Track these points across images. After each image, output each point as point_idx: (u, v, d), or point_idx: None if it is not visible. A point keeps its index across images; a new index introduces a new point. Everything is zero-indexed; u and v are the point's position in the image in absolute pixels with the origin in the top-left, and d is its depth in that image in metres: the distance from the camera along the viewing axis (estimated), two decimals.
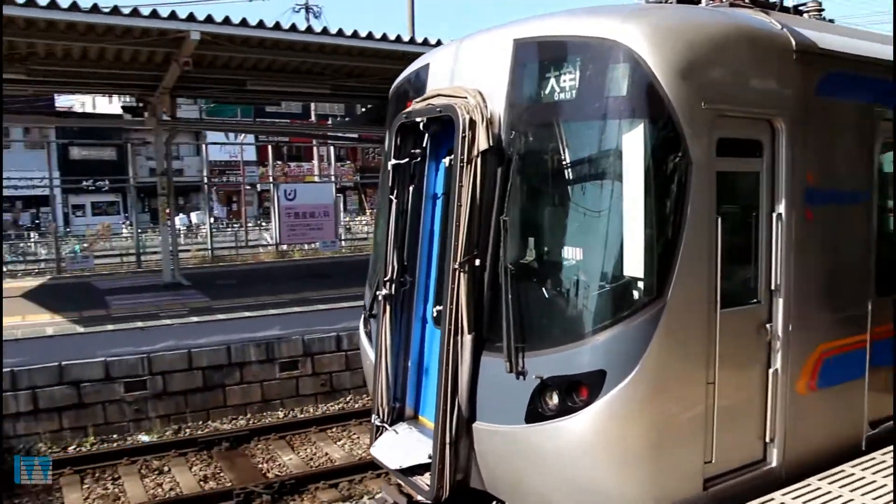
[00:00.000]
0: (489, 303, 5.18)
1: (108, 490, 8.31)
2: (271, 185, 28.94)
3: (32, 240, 30.30)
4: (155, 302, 14.33)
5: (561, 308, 5.12)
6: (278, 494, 7.88)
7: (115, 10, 11.84)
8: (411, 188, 6.05)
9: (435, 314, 5.72)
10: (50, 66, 14.10)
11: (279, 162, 43.16)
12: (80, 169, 43.05)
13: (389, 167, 6.10)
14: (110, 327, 12.03)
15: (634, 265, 4.66)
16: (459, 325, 5.17)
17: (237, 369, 10.52)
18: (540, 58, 5.17)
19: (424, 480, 5.44)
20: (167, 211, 17.34)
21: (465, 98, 5.31)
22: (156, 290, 16.20)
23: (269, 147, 39.55)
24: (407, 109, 5.96)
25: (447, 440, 5.20)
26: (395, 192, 6.08)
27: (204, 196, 35.32)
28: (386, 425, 6.02)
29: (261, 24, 12.75)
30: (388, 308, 6.02)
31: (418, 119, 5.75)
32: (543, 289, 5.12)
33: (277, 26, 13.01)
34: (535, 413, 4.86)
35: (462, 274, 5.13)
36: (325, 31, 13.31)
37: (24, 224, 41.00)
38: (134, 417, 9.96)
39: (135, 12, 12.01)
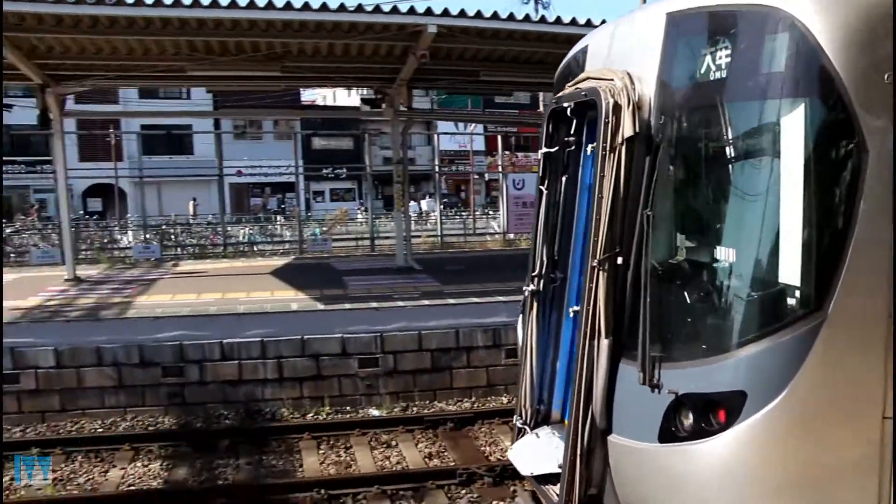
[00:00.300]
0: (631, 305, 4.64)
1: (340, 457, 8.80)
2: (500, 174, 29.37)
3: (279, 223, 32.73)
4: (388, 284, 15.03)
5: (702, 316, 4.54)
6: (500, 478, 7.94)
7: (360, 8, 12.60)
8: (564, 178, 5.69)
9: (572, 314, 5.34)
10: (300, 62, 15.22)
11: (507, 152, 43.69)
12: (321, 158, 46.05)
13: (540, 156, 5.82)
14: (347, 306, 12.74)
15: (788, 271, 3.97)
16: (596, 327, 4.73)
17: (464, 353, 10.74)
18: (693, 32, 4.54)
19: (555, 490, 5.10)
20: (402, 198, 18.08)
21: (612, 80, 4.81)
22: (389, 272, 16.99)
23: (498, 137, 40.13)
24: (559, 94, 5.62)
25: (578, 451, 4.80)
26: (546, 182, 5.78)
27: (435, 184, 36.49)
28: (527, 428, 5.79)
29: (495, 16, 13.04)
30: (535, 305, 5.78)
31: (565, 104, 5.36)
32: (685, 293, 4.52)
33: (511, 17, 13.20)
34: (669, 432, 4.31)
35: (601, 272, 4.67)
36: (558, 21, 13.33)
37: (271, 208, 44.55)
38: (366, 392, 10.48)
39: (377, 9, 12.73)
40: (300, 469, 8.51)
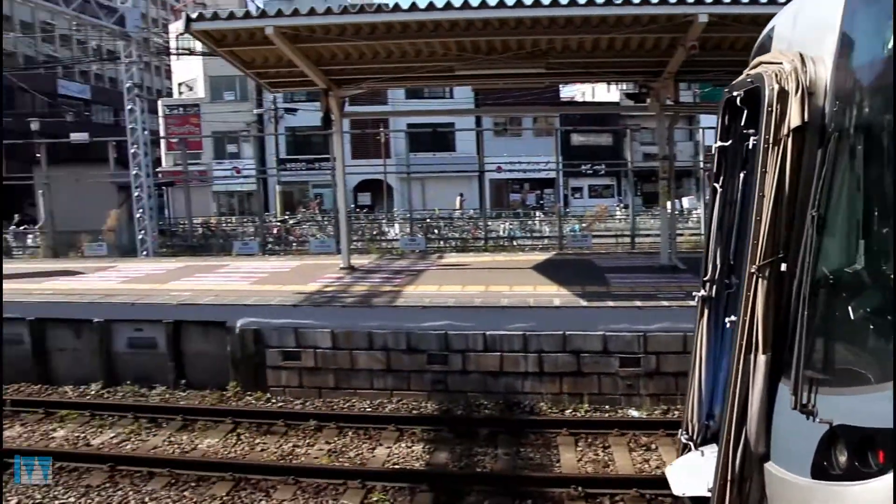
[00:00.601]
0: (794, 318, 4.02)
1: (598, 456, 8.69)
2: None
3: (538, 218, 33.15)
4: (651, 283, 14.58)
5: (866, 334, 3.85)
6: None
7: (626, 1, 12.30)
8: (742, 175, 5.02)
9: (728, 325, 4.78)
10: (564, 58, 15.21)
11: None
12: (580, 154, 46.09)
13: (714, 150, 5.32)
14: (610, 303, 12.51)
15: None
16: (753, 341, 4.20)
17: None
18: (878, 2, 3.76)
19: None
20: (668, 194, 17.52)
21: (781, 64, 4.21)
22: (651, 271, 16.53)
23: None
24: (734, 82, 5.03)
25: (728, 476, 4.31)
26: (721, 179, 5.24)
27: (700, 181, 35.17)
28: (693, 444, 5.31)
29: (772, 1, 12.15)
30: (705, 312, 5.32)
31: (735, 93, 4.81)
32: (849, 306, 3.84)
33: None
34: (821, 467, 3.71)
35: (761, 280, 4.16)
36: None
37: (530, 204, 45.27)
38: (625, 392, 10.27)
39: (644, 1, 12.34)
40: (557, 464, 8.52)
